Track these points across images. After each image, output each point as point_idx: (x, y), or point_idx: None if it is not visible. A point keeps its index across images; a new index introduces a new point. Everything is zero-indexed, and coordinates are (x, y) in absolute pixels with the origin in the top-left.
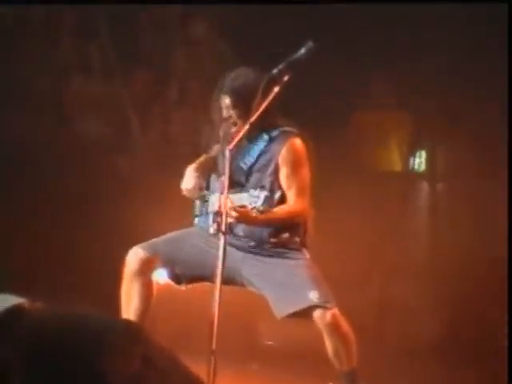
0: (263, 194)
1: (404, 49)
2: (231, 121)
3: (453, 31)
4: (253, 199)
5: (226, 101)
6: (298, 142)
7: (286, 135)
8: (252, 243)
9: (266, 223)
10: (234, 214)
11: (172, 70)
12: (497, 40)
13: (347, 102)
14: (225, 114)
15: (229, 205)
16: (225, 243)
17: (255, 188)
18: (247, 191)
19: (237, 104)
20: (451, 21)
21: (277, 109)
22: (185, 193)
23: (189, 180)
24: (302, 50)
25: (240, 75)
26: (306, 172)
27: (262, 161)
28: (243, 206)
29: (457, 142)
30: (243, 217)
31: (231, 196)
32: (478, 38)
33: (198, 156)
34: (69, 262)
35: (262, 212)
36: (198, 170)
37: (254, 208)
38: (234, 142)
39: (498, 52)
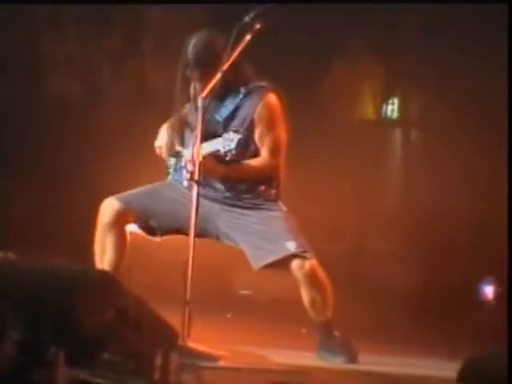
0: (237, 136)
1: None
2: (198, 89)
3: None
4: (226, 142)
5: (193, 72)
6: (273, 97)
7: (262, 90)
8: (228, 194)
9: (238, 173)
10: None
11: (146, 23)
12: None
13: (322, 52)
14: (191, 86)
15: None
16: (198, 193)
17: (229, 132)
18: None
19: (200, 72)
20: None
21: (252, 63)
22: (158, 151)
23: (162, 137)
24: None
25: (198, 40)
26: (281, 129)
27: (238, 115)
28: (216, 152)
29: (430, 89)
30: (211, 168)
31: (204, 144)
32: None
33: (172, 109)
34: (44, 213)
35: (235, 155)
36: (171, 127)
37: (228, 152)
38: (206, 90)
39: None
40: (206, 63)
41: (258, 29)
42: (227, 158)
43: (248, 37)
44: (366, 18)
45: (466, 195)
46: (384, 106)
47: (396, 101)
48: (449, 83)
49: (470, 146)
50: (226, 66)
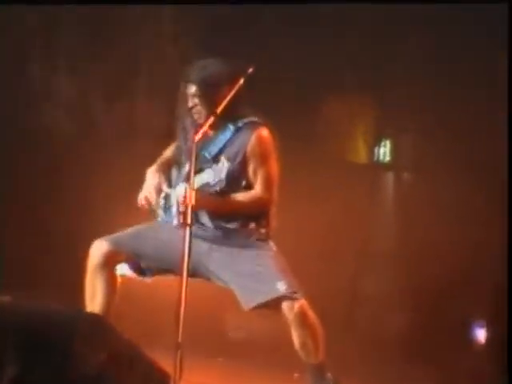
0: (226, 166)
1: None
2: (195, 110)
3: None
4: (216, 173)
5: (192, 89)
6: (265, 132)
7: (253, 126)
8: (217, 233)
9: (229, 206)
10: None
11: (137, 58)
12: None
13: (313, 92)
14: (190, 103)
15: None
16: (190, 235)
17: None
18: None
19: (203, 93)
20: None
21: (242, 99)
22: (143, 203)
23: (148, 185)
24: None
25: (207, 65)
26: (273, 164)
27: (229, 151)
28: (206, 186)
29: (423, 132)
30: (205, 201)
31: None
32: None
33: (163, 143)
34: (33, 254)
35: (226, 187)
36: (158, 170)
37: (218, 182)
38: (199, 134)
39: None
40: (209, 86)
41: (250, 73)
42: (217, 189)
43: (241, 80)
44: (359, 55)
45: (461, 237)
46: (376, 149)
47: (388, 143)
48: (443, 123)
49: (463, 187)
50: (219, 109)
